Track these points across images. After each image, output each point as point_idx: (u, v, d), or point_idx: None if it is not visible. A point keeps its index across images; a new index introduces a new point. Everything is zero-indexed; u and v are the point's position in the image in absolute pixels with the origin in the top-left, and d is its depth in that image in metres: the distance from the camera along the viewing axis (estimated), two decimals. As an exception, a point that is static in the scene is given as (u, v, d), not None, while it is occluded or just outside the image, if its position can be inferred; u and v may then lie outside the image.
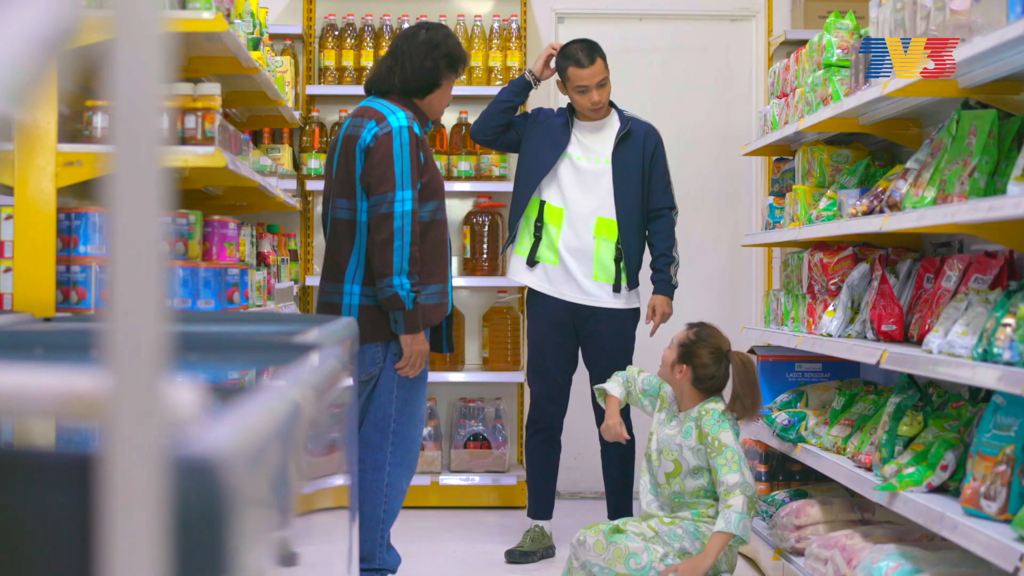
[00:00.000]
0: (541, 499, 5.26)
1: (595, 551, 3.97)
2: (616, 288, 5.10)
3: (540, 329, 5.17)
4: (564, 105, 5.29)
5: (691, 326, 4.21)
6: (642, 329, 5.28)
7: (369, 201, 4.02)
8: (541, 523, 5.23)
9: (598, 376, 5.04)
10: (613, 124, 5.19)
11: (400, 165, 3.99)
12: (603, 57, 5.10)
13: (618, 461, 5.16)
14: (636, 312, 5.17)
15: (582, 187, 5.11)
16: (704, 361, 4.10)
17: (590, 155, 5.13)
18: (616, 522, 4.06)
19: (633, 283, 5.11)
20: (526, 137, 5.21)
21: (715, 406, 4.07)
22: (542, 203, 5.12)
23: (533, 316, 5.21)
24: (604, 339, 5.12)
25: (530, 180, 5.14)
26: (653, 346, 6.06)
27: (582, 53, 5.08)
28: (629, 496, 5.18)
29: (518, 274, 5.20)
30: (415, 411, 4.17)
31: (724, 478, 3.92)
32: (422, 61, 4.17)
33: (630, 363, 5.01)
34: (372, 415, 4.11)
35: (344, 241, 4.11)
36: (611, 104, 5.22)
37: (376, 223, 3.99)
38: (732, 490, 3.89)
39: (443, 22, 4.43)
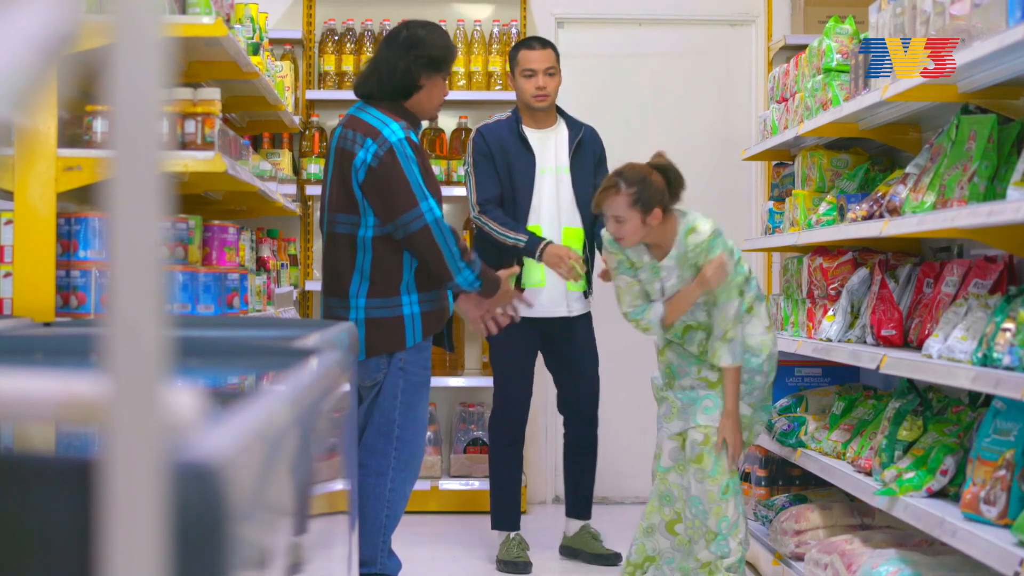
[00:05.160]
0: (511, 504, 5.17)
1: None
2: (585, 295, 5.12)
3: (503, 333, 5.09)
4: (508, 114, 5.16)
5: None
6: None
7: (397, 222, 3.97)
8: (515, 534, 5.14)
9: (566, 385, 5.14)
10: (563, 130, 5.16)
11: (413, 178, 3.98)
12: (556, 53, 5.15)
13: (579, 463, 5.18)
14: (591, 315, 5.21)
15: (547, 198, 5.06)
16: (649, 188, 4.00)
17: (548, 165, 5.08)
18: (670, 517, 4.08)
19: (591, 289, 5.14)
20: (501, 171, 5.04)
21: (691, 222, 4.07)
22: None
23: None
24: (577, 344, 5.13)
25: (519, 209, 5.00)
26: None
27: (536, 40, 5.18)
28: (588, 496, 5.21)
29: None
30: (418, 417, 4.16)
31: (725, 308, 3.95)
32: (396, 63, 4.07)
33: (597, 363, 5.17)
34: (375, 420, 4.10)
35: (344, 256, 4.08)
36: (557, 109, 5.19)
37: (415, 241, 3.96)
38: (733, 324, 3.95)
39: (442, 27, 4.33)
